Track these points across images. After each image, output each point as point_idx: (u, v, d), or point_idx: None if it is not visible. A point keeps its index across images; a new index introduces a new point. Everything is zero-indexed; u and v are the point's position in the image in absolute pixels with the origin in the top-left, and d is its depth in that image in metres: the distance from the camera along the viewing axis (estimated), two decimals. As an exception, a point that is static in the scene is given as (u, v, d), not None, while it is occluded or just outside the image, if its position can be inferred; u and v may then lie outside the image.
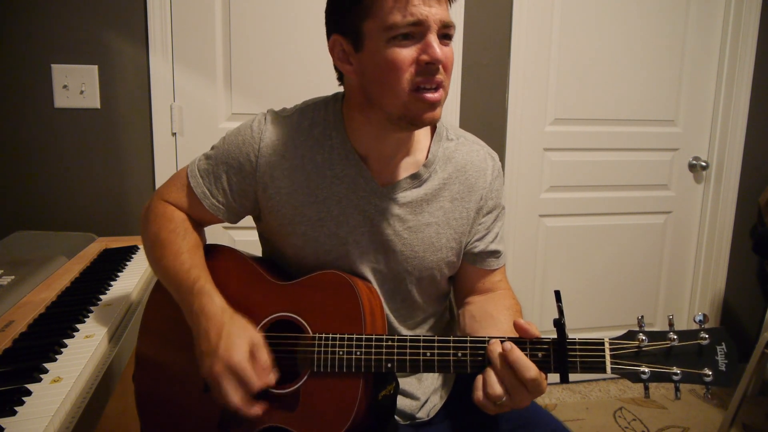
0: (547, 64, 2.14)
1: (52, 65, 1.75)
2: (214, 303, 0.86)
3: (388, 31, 0.80)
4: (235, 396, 0.80)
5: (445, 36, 0.84)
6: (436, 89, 0.84)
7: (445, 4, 0.83)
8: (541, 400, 2.21)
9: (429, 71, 0.82)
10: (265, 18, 1.87)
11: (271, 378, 0.83)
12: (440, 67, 0.83)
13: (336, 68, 0.93)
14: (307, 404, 0.86)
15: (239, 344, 0.82)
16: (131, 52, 1.80)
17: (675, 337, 0.77)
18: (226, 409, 0.89)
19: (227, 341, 0.82)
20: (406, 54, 0.81)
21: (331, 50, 0.89)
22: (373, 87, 0.86)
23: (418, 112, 0.84)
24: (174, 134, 1.88)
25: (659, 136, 2.29)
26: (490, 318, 0.95)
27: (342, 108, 0.96)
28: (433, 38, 0.81)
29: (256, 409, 0.82)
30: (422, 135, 0.98)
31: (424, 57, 0.81)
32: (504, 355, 0.77)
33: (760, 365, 1.91)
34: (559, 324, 0.77)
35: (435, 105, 0.85)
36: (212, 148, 1.01)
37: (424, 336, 0.84)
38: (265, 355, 0.84)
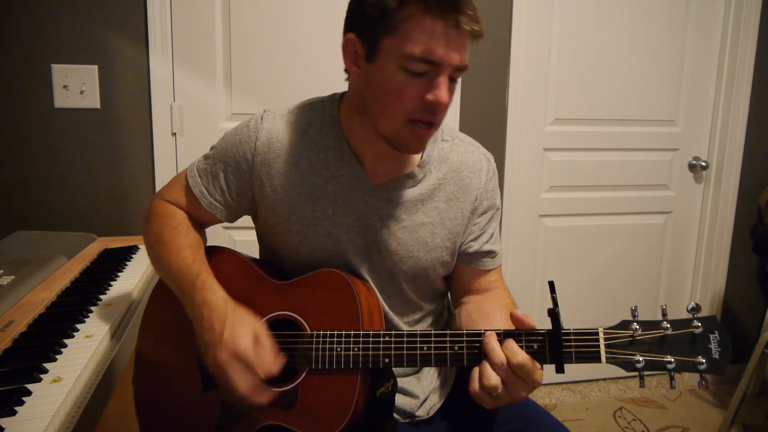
0: (547, 64, 2.14)
1: (52, 65, 1.76)
2: (216, 295, 0.87)
3: (404, 60, 0.80)
4: (242, 384, 0.81)
5: (453, 78, 0.84)
6: (430, 126, 0.85)
7: (466, 49, 0.83)
8: (540, 400, 2.21)
9: (430, 110, 0.83)
10: (265, 18, 1.87)
11: (277, 364, 0.83)
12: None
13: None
14: (306, 402, 0.86)
15: (244, 332, 0.82)
16: (131, 52, 1.80)
17: (668, 325, 0.77)
18: (224, 408, 0.89)
19: (231, 330, 0.82)
20: (413, 86, 0.81)
21: (344, 47, 0.88)
22: (372, 101, 0.87)
23: (405, 142, 0.86)
24: (174, 134, 1.88)
25: (659, 136, 2.29)
26: (487, 316, 0.95)
27: (340, 107, 0.96)
28: (443, 80, 0.81)
29: (263, 397, 0.83)
30: None
31: (430, 97, 0.81)
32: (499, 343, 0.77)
33: (760, 365, 1.91)
34: (553, 313, 0.77)
35: (424, 139, 0.87)
36: (211, 148, 1.01)
37: (421, 330, 0.84)
38: (269, 343, 0.84)
